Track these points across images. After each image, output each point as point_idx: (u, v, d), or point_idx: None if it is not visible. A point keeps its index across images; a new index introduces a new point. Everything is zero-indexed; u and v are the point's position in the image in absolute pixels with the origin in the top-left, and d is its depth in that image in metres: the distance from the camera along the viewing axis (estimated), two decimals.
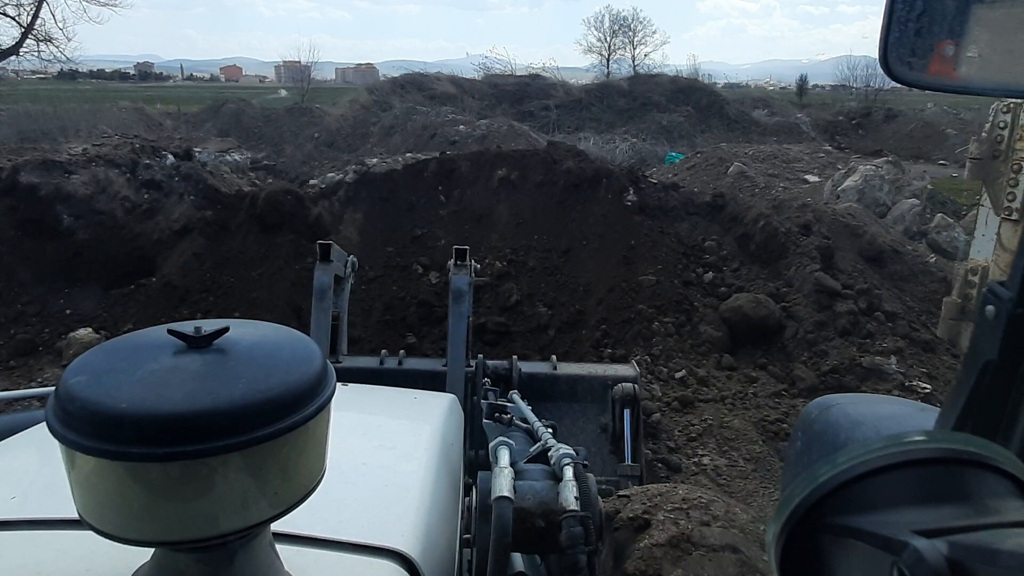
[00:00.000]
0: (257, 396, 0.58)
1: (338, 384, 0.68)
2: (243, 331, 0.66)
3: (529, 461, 1.17)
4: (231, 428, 0.55)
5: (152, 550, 0.64)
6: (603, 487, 2.29)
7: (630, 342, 5.84)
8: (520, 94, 27.89)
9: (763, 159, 10.31)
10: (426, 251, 7.00)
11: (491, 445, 1.19)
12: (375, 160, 9.48)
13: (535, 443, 1.32)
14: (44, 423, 0.59)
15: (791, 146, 12.36)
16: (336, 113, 22.02)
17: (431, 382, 2.77)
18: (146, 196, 6.94)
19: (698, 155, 11.08)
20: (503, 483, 0.99)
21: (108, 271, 6.59)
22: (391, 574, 0.82)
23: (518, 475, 1.05)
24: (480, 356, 2.99)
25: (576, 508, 0.96)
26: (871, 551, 0.36)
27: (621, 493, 1.36)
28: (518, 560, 1.33)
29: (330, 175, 9.35)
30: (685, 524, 1.09)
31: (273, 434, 0.57)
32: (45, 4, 23.76)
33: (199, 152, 8.03)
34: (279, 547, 0.70)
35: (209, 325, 0.64)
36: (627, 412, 2.80)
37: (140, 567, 0.67)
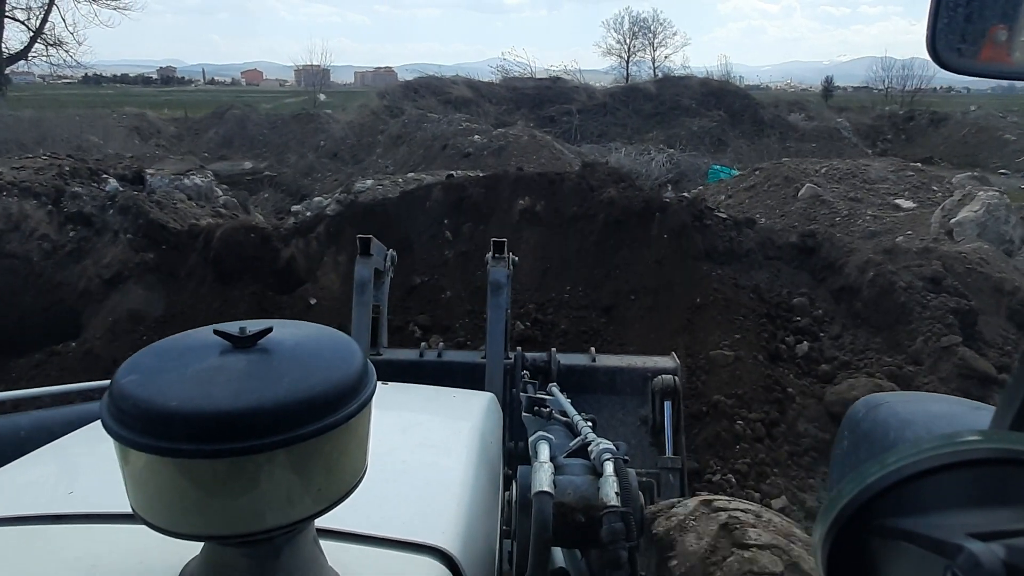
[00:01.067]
0: (300, 394, 0.59)
1: (379, 383, 0.69)
2: (286, 331, 0.67)
3: (569, 456, 1.14)
4: (276, 426, 0.57)
5: (201, 544, 0.65)
6: (643, 480, 2.28)
7: (703, 450, 4.19)
8: (540, 98, 26.35)
9: (839, 178, 8.56)
10: (427, 306, 5.42)
11: (530, 439, 1.17)
12: (368, 183, 7.94)
13: (574, 437, 1.30)
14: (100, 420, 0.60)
15: (869, 162, 10.54)
16: (345, 120, 20.68)
17: (470, 374, 2.80)
18: (72, 234, 5.47)
19: (756, 172, 9.34)
20: (543, 478, 0.97)
21: (16, 333, 5.09)
22: (432, 571, 0.84)
23: (558, 470, 1.04)
24: (519, 349, 2.93)
25: (617, 504, 0.94)
26: (923, 554, 0.35)
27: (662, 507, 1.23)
28: (558, 554, 1.35)
29: (317, 199, 7.78)
30: (726, 528, 1.02)
31: (316, 432, 0.58)
32: (55, 8, 23.37)
33: (152, 174, 6.59)
34: (323, 543, 0.71)
35: (253, 325, 0.65)
36: (667, 404, 2.75)
37: (190, 561, 0.68)
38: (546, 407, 1.60)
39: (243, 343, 0.63)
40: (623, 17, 43.07)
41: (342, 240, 5.73)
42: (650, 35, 42.53)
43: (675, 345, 4.56)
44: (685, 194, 10.47)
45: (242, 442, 0.55)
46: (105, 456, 0.63)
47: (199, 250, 5.63)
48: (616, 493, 0.96)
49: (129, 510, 0.61)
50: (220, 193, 7.50)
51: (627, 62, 42.32)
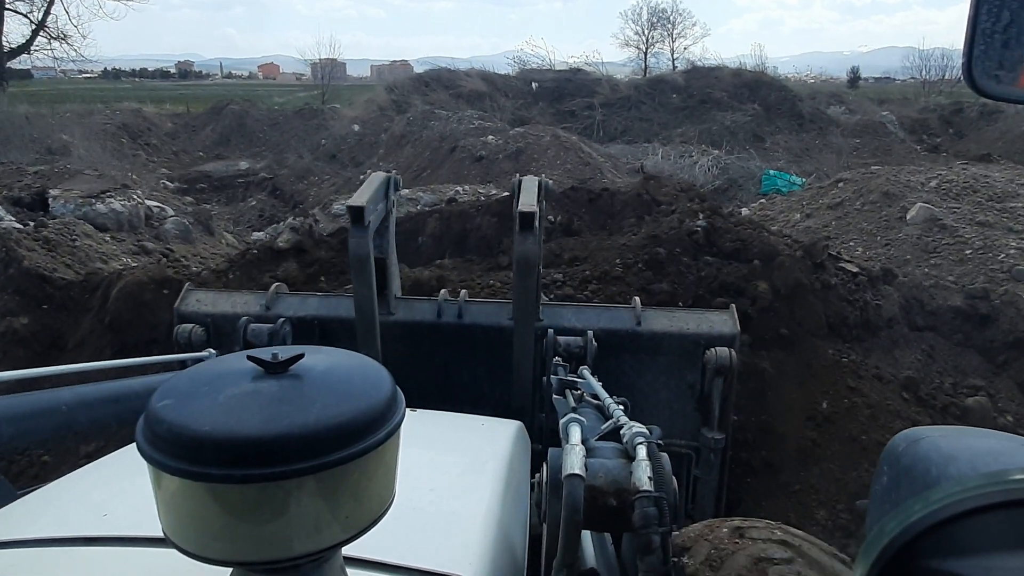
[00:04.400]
0: (330, 421, 0.59)
1: (407, 410, 0.69)
2: (317, 358, 0.67)
3: (601, 439, 1.12)
4: (305, 452, 0.57)
5: (230, 570, 0.65)
6: (683, 450, 2.37)
7: None
8: (560, 92, 24.58)
9: (956, 194, 6.70)
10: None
11: (561, 422, 1.15)
12: (340, 206, 6.25)
13: (606, 420, 1.28)
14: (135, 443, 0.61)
15: (988, 169, 8.67)
16: (350, 115, 19.08)
17: (496, 339, 2.71)
18: None
19: (840, 184, 7.49)
20: (574, 460, 0.95)
21: None
22: None
23: (589, 453, 1.02)
24: (551, 332, 2.62)
25: (650, 488, 0.91)
26: None
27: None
28: (587, 543, 1.32)
29: (291, 219, 6.10)
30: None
31: (345, 459, 0.59)
32: (58, 0, 22.73)
33: (54, 198, 4.98)
34: (350, 571, 0.71)
35: (285, 352, 0.65)
36: (720, 380, 2.57)
37: None
38: (577, 389, 1.59)
39: (275, 369, 0.63)
40: (641, 7, 42.42)
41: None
42: (669, 26, 41.22)
43: (783, 509, 2.85)
44: (744, 209, 8.56)
45: (272, 468, 0.55)
46: (139, 479, 0.63)
47: (95, 310, 3.97)
48: (649, 478, 0.92)
49: (161, 534, 0.61)
50: (169, 214, 5.91)
51: (645, 54, 41.15)
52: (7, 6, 22.15)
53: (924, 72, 38.60)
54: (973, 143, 25.80)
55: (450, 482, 1.22)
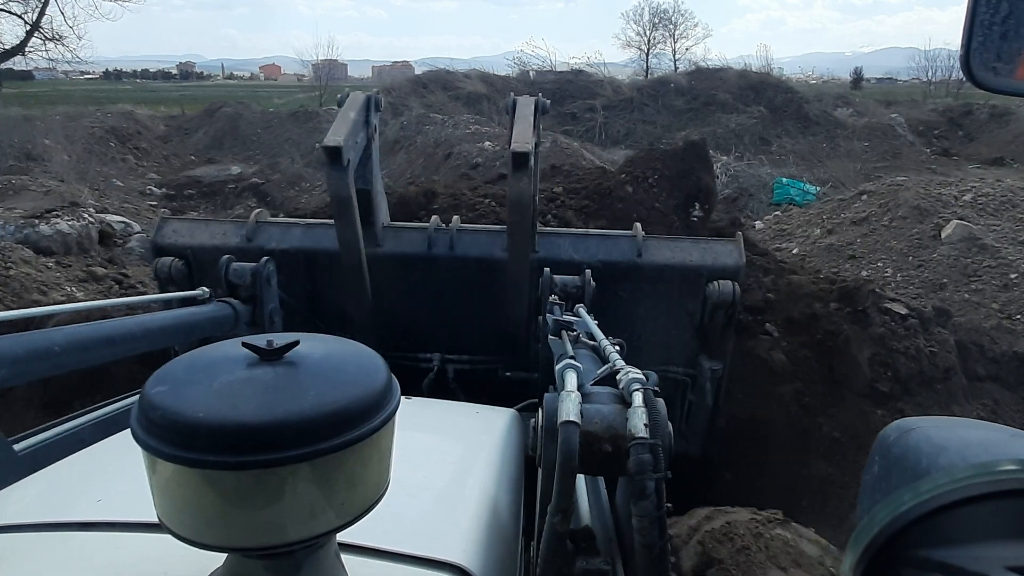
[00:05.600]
0: (325, 408, 0.59)
1: (402, 398, 0.69)
2: (312, 344, 0.68)
3: (597, 383, 1.12)
4: (300, 439, 0.57)
5: (225, 556, 0.66)
6: (679, 377, 2.36)
7: None
8: (561, 93, 24.08)
9: (993, 209, 6.13)
10: None
11: (557, 368, 1.15)
12: None
13: (602, 362, 1.29)
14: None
15: (1013, 177, 8.12)
16: None
17: (490, 272, 2.66)
18: None
19: (864, 197, 6.94)
20: (570, 407, 0.95)
21: None
22: None
23: (585, 398, 1.01)
24: (547, 271, 2.46)
25: (645, 435, 0.91)
26: None
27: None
28: (580, 484, 1.33)
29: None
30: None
31: (340, 445, 0.59)
32: (53, 1, 22.52)
33: None
34: (344, 557, 0.71)
35: (280, 339, 0.65)
36: (721, 312, 2.51)
37: (213, 572, 0.68)
38: (573, 331, 1.56)
39: (270, 356, 0.64)
40: (643, 8, 42.31)
41: None
42: (671, 26, 41.19)
43: None
44: (758, 223, 8.01)
45: (267, 454, 0.56)
46: (134, 465, 0.64)
47: None
48: (645, 425, 0.93)
49: (155, 520, 0.62)
50: (135, 230, 5.38)
51: (647, 54, 41.04)
52: (1, 7, 21.96)
53: (930, 72, 38.28)
54: (984, 146, 25.27)
55: (445, 469, 1.24)
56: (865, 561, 0.37)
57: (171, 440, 0.56)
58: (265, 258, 2.60)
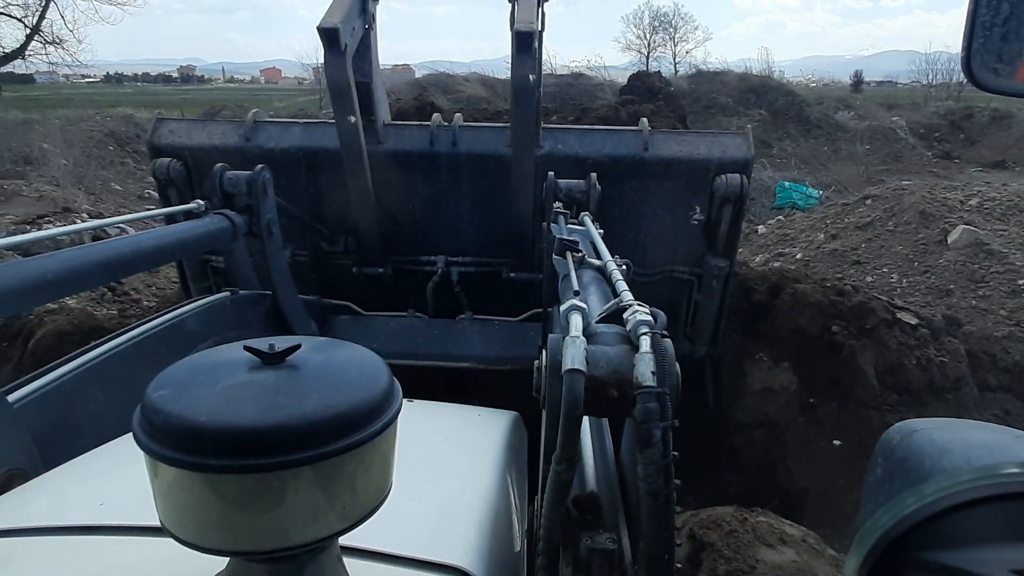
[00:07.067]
0: (327, 412, 0.59)
1: (404, 400, 0.69)
2: (314, 348, 0.68)
3: (602, 320, 1.06)
4: (302, 442, 0.57)
5: (227, 560, 0.66)
6: (685, 277, 2.36)
7: None
8: (561, 97, 24.07)
9: (1000, 214, 6.04)
10: None
11: (562, 309, 1.10)
12: None
13: (607, 283, 1.30)
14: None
15: (1016, 180, 8.03)
16: None
17: (494, 169, 2.58)
18: None
19: (868, 202, 6.86)
20: (575, 354, 0.90)
21: None
22: None
23: (590, 339, 0.96)
24: (551, 175, 2.39)
25: (652, 384, 0.88)
26: None
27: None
28: (587, 447, 1.31)
29: None
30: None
31: (342, 449, 0.59)
32: (53, 5, 22.57)
33: None
34: (346, 560, 0.71)
35: (282, 342, 0.66)
36: (729, 208, 2.51)
37: None
38: (579, 251, 1.52)
39: (272, 359, 0.64)
40: (643, 11, 42.53)
41: None
42: (671, 30, 41.94)
43: None
44: (761, 227, 7.93)
45: (269, 458, 0.56)
46: (136, 469, 0.64)
47: (15, 361, 3.39)
48: (652, 373, 0.89)
49: (158, 523, 0.62)
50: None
51: (647, 58, 41.51)
52: (1, 10, 22.02)
53: (931, 75, 38.25)
54: (986, 149, 25.18)
55: (447, 472, 1.23)
56: (869, 564, 0.37)
57: (174, 444, 0.56)
58: (260, 166, 2.47)
